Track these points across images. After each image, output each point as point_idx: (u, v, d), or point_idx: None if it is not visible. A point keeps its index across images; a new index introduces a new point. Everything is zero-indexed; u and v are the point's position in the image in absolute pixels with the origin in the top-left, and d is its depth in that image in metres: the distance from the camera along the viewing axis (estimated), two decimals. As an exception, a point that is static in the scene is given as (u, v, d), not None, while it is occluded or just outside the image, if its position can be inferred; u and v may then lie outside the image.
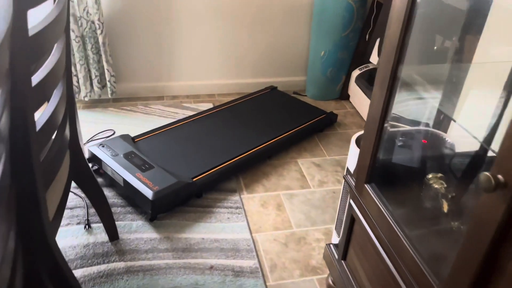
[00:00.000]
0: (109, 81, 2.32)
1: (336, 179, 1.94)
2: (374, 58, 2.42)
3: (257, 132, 2.09)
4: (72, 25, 2.10)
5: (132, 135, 2.10)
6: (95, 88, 2.33)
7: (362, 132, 1.39)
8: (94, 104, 2.42)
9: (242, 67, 2.61)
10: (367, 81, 2.45)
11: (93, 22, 2.18)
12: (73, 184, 1.76)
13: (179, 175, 1.70)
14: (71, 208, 1.67)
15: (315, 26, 2.45)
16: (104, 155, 1.77)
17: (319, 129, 2.29)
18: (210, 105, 2.50)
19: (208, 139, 2.01)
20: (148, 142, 1.95)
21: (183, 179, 1.68)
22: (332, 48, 2.44)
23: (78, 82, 2.29)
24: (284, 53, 2.63)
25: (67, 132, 1.23)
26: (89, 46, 2.20)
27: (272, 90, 2.57)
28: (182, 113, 2.39)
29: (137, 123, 2.27)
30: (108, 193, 1.76)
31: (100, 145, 1.84)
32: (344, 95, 2.65)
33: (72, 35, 2.13)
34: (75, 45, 2.15)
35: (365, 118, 2.42)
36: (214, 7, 2.39)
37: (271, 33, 2.55)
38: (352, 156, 1.34)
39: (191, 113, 2.39)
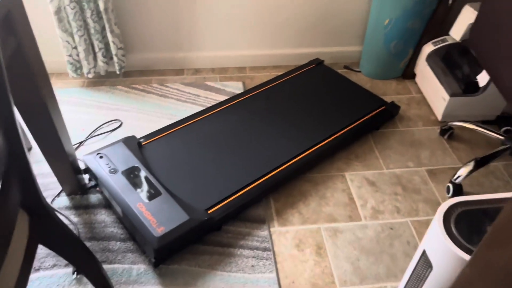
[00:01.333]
0: (115, 55, 1.88)
1: (395, 207, 1.50)
2: (456, 32, 1.82)
3: (297, 134, 1.64)
4: (64, -13, 1.63)
5: (142, 127, 1.73)
6: (100, 63, 1.91)
7: (452, 201, 0.93)
8: (100, 80, 2.01)
9: (280, 34, 2.08)
10: (442, 61, 1.88)
11: (91, -19, 1.70)
12: (62, 203, 1.43)
13: (191, 208, 1.32)
14: (60, 241, 1.35)
15: (380, -15, 1.85)
16: (100, 171, 1.41)
17: (376, 126, 1.80)
18: (239, 85, 2.03)
19: (232, 145, 1.58)
20: (157, 147, 1.55)
21: (196, 214, 1.30)
22: (401, 16, 1.85)
23: (78, 55, 1.86)
24: (336, 17, 2.05)
25: (15, 198, 0.86)
26: (88, 13, 1.73)
27: (317, 65, 2.05)
28: (204, 96, 1.94)
29: (149, 110, 1.86)
30: (106, 217, 1.42)
31: (97, 154, 1.47)
32: (408, 74, 2.10)
33: (66, 0, 1.67)
34: (70, 12, 1.70)
35: (434, 109, 1.89)
36: (247, -42, 1.83)
37: (320, -8, 1.97)
38: (435, 237, 0.90)
39: (215, 96, 1.95)
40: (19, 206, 0.89)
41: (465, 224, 0.88)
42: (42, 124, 1.25)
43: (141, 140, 1.58)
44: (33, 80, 1.14)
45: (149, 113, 1.84)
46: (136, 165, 1.44)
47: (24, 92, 1.15)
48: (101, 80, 2.01)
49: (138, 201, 1.31)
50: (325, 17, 2.05)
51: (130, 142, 1.53)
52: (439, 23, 1.90)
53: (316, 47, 2.16)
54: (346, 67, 2.17)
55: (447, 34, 1.93)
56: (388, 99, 1.99)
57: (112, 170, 1.41)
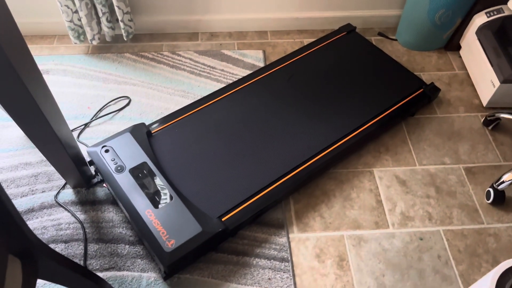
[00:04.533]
0: (122, 20, 1.67)
1: (426, 213, 1.37)
2: (517, 3, 1.55)
3: (322, 124, 1.47)
4: None
5: (152, 105, 1.61)
6: (105, 28, 1.71)
7: (509, 264, 0.79)
8: (106, 46, 1.82)
9: (308, -5, 1.82)
10: (495, 37, 1.62)
11: None
12: (68, 197, 1.32)
13: (204, 216, 1.20)
14: (65, 242, 1.28)
15: None
16: (106, 168, 1.29)
17: (411, 112, 1.61)
18: (260, 55, 1.82)
19: (249, 137, 1.43)
20: (167, 137, 1.41)
21: (210, 225, 1.19)
22: (452, -19, 1.57)
23: (80, 20, 1.66)
24: (374, -23, 1.77)
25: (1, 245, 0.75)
26: (87, -26, 1.51)
27: (349, 33, 1.81)
28: (220, 69, 1.75)
29: (160, 84, 1.69)
30: (114, 215, 1.33)
31: (102, 147, 1.34)
32: (452, 45, 1.84)
33: (61, -41, 1.44)
34: (67, -27, 1.47)
35: (479, 91, 1.67)
36: None
37: None
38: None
39: (232, 68, 1.75)
40: (8, 253, 0.79)
41: (523, 298, 0.75)
42: (26, 113, 1.00)
43: (150, 128, 1.43)
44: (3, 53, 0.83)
45: (159, 88, 1.67)
46: (144, 161, 1.31)
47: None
48: (107, 46, 1.82)
49: (147, 207, 1.21)
50: (361, -25, 1.76)
51: (139, 132, 1.39)
52: (497, -10, 1.62)
53: (348, 10, 1.89)
54: (380, 33, 1.92)
55: (504, 3, 1.65)
56: (426, 76, 1.77)
57: (119, 168, 1.29)
